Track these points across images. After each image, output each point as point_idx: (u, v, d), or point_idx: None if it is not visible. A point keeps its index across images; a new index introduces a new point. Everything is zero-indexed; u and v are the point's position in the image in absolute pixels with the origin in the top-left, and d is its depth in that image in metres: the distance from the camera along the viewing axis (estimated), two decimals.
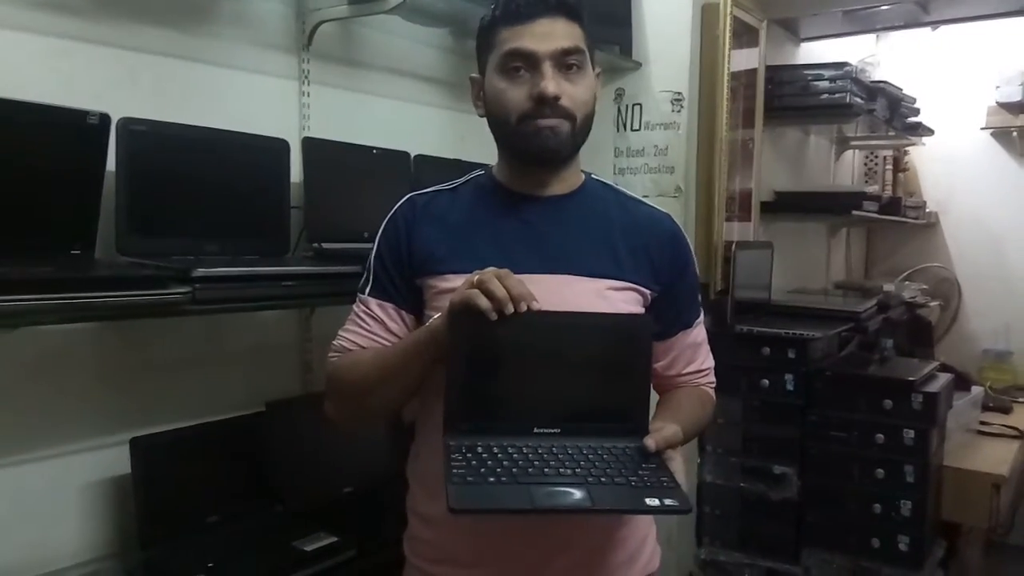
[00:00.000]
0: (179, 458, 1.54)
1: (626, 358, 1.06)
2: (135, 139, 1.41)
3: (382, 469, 1.76)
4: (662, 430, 1.03)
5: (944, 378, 2.53)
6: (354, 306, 1.21)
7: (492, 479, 0.94)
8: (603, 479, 0.96)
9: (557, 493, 0.93)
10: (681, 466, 1.00)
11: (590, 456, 0.99)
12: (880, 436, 2.36)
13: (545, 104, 1.10)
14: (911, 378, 2.38)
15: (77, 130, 1.31)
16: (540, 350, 1.03)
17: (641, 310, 1.19)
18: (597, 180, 1.27)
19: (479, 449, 0.98)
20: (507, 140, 1.17)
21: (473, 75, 1.20)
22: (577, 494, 0.93)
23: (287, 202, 1.71)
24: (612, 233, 1.20)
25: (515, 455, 0.98)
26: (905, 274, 4.04)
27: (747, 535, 2.58)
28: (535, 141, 1.12)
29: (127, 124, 1.40)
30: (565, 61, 1.11)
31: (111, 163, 1.38)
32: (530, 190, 1.20)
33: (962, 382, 3.05)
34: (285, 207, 1.70)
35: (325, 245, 1.73)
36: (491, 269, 1.00)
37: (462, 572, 1.17)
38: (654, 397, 1.23)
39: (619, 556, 1.18)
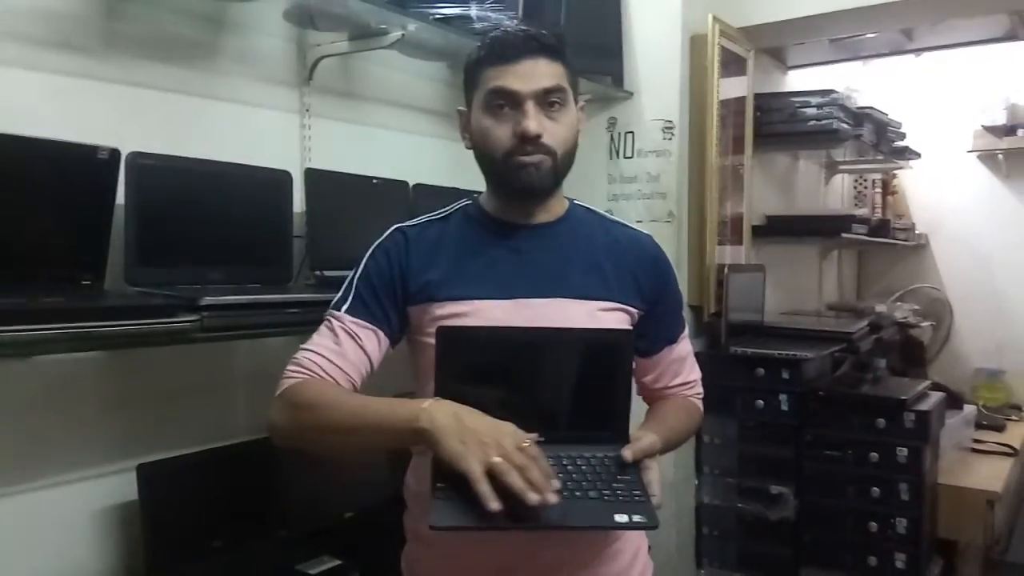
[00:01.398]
0: (185, 484, 1.56)
1: (606, 371, 1.10)
2: (144, 173, 1.46)
3: (382, 493, 1.77)
4: (640, 440, 1.06)
5: (936, 396, 2.57)
6: (323, 323, 1.19)
7: (473, 497, 0.96)
8: (578, 493, 0.99)
9: (533, 511, 0.95)
10: (657, 476, 1.03)
11: (569, 467, 1.02)
12: (874, 454, 2.39)
13: (527, 142, 1.14)
14: (903, 397, 2.41)
15: (88, 165, 1.35)
16: (524, 365, 1.07)
17: (629, 328, 1.24)
18: (580, 205, 1.31)
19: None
20: (493, 174, 1.21)
21: (460, 108, 1.25)
22: (551, 511, 0.95)
23: (290, 231, 1.75)
24: (598, 256, 1.25)
25: None
26: (897, 295, 4.09)
27: (746, 555, 2.59)
28: (519, 177, 1.17)
29: (136, 158, 1.44)
30: (547, 99, 1.16)
31: (119, 196, 1.43)
32: (518, 219, 1.24)
33: (955, 401, 3.08)
34: (288, 236, 1.74)
35: (327, 273, 1.77)
36: (512, 453, 0.95)
37: None
38: (639, 407, 1.27)
39: (613, 569, 1.22)
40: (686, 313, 1.41)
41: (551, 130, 1.16)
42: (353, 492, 1.82)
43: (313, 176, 1.82)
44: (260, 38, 1.86)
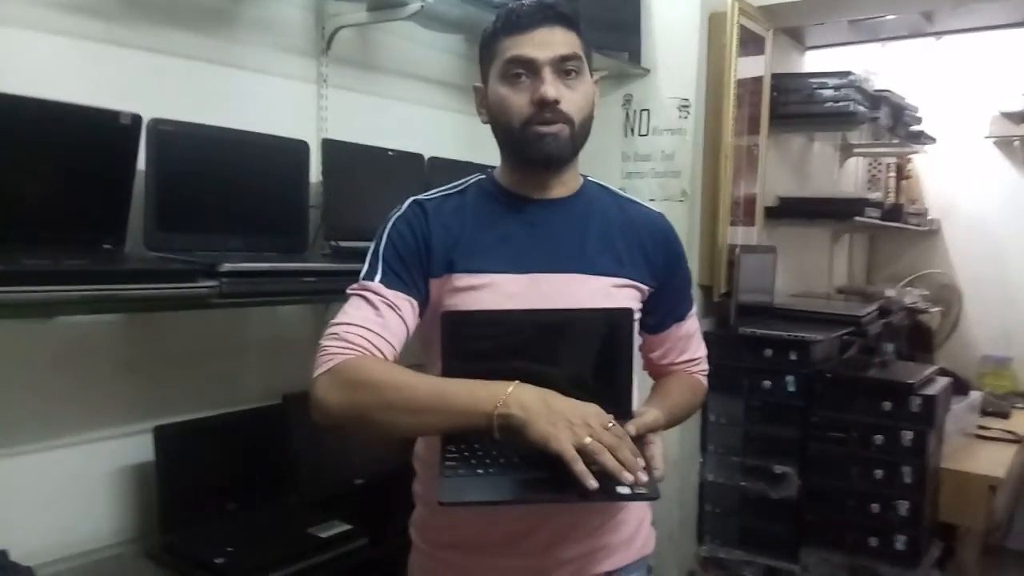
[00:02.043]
0: (200, 447, 1.60)
1: (609, 348, 1.11)
2: (164, 139, 1.47)
3: (390, 461, 1.79)
4: (643, 415, 1.07)
5: (942, 382, 2.58)
6: (355, 295, 1.15)
7: (481, 471, 0.98)
8: None
9: (537, 484, 0.98)
10: (660, 450, 1.05)
11: None
12: (879, 437, 2.41)
13: (546, 108, 1.14)
14: (910, 381, 2.42)
15: (110, 130, 1.37)
16: (528, 346, 1.09)
17: (639, 305, 1.26)
18: (594, 182, 1.32)
19: (472, 440, 1.03)
20: (511, 145, 1.21)
21: (477, 84, 1.25)
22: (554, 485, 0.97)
23: (306, 201, 1.76)
24: (612, 233, 1.26)
25: (505, 446, 1.01)
26: (907, 280, 4.08)
27: (747, 533, 2.62)
28: (538, 146, 1.17)
29: (157, 124, 1.46)
30: (564, 67, 1.16)
31: (140, 161, 1.44)
32: (533, 193, 1.24)
33: (961, 387, 3.09)
34: (304, 205, 1.76)
35: (342, 243, 1.78)
36: (600, 432, 0.96)
37: (468, 557, 1.22)
38: (645, 383, 1.29)
39: (618, 537, 1.24)
40: (696, 292, 1.43)
41: (568, 97, 1.16)
42: (363, 460, 1.85)
43: (330, 147, 1.83)
44: (279, 7, 1.86)
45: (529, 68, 1.15)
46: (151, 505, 1.56)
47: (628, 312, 1.17)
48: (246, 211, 1.65)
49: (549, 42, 1.15)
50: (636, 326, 1.23)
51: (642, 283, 1.25)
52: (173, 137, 1.49)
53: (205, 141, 1.57)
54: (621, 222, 1.28)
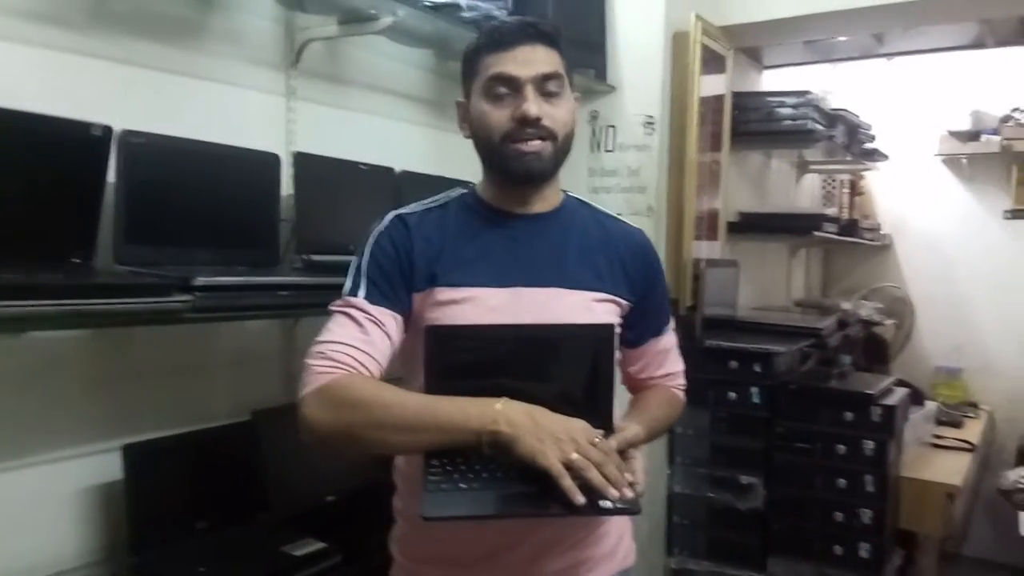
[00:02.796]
0: (169, 465, 1.56)
1: (590, 364, 1.13)
2: (135, 151, 1.45)
3: (362, 477, 1.79)
4: (624, 431, 1.09)
5: (901, 392, 2.65)
6: (339, 312, 1.16)
7: (464, 485, 0.99)
8: None
9: (521, 499, 0.99)
10: (641, 464, 1.06)
11: None
12: (841, 447, 2.46)
13: (527, 125, 1.16)
14: (870, 391, 2.48)
15: (80, 141, 1.34)
16: (512, 359, 1.10)
17: (619, 320, 1.27)
18: (574, 197, 1.34)
19: (455, 454, 1.03)
20: (492, 160, 1.22)
21: (459, 99, 1.26)
22: (538, 499, 0.98)
23: (277, 214, 1.75)
24: (592, 247, 1.27)
25: (488, 461, 1.02)
26: (861, 293, 4.19)
27: (715, 544, 2.65)
28: (520, 164, 1.18)
29: (127, 136, 1.43)
30: (545, 86, 1.18)
31: (110, 174, 1.41)
32: (515, 208, 1.25)
33: (917, 397, 3.18)
34: (275, 219, 1.74)
35: (314, 256, 1.76)
36: (587, 448, 0.98)
37: (450, 571, 1.22)
38: (622, 396, 1.30)
39: (600, 550, 1.25)
40: None
41: (550, 114, 1.17)
42: (335, 476, 1.82)
43: (301, 160, 1.82)
44: (248, 18, 1.84)
45: (511, 85, 1.16)
46: (120, 525, 1.52)
47: (611, 328, 1.19)
48: (217, 224, 1.63)
49: (531, 60, 1.17)
50: (616, 340, 1.24)
51: (621, 298, 1.27)
52: (144, 149, 1.47)
53: (176, 153, 1.54)
54: (601, 237, 1.29)
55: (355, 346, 1.11)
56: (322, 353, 1.10)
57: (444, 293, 1.18)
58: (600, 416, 1.11)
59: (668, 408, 1.35)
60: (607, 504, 0.97)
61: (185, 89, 1.72)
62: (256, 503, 1.68)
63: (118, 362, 1.59)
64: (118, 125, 1.44)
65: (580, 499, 0.94)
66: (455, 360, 1.08)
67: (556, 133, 1.19)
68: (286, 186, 1.80)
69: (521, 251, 1.23)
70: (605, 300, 1.25)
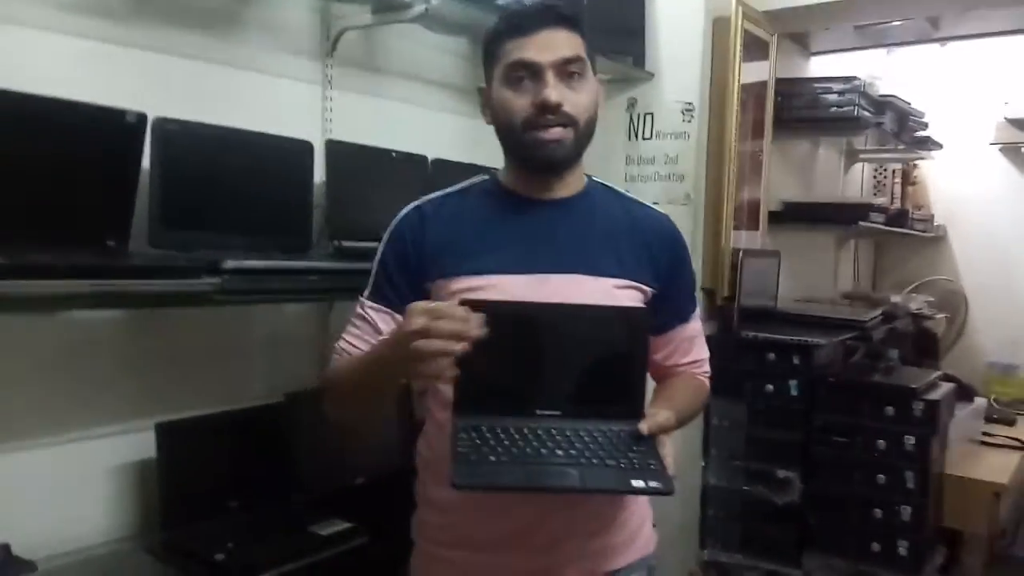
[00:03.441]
0: (202, 444, 1.61)
1: (624, 347, 1.12)
2: (169, 138, 1.48)
3: (391, 461, 1.81)
4: (656, 415, 1.08)
5: (946, 387, 2.58)
6: (356, 310, 1.27)
7: (493, 458, 1.00)
8: (595, 460, 1.02)
9: (551, 473, 0.99)
10: (671, 450, 1.06)
11: (586, 438, 1.05)
12: (882, 442, 2.41)
13: (547, 111, 1.15)
14: (913, 386, 2.42)
15: (116, 128, 1.37)
16: (545, 339, 1.09)
17: (647, 306, 1.25)
18: (598, 183, 1.33)
19: (484, 429, 1.04)
20: (513, 147, 1.22)
21: (481, 85, 1.26)
22: (569, 474, 0.99)
23: (310, 201, 1.77)
24: (615, 234, 1.26)
25: (517, 436, 1.03)
26: (912, 286, 4.08)
27: (749, 538, 2.61)
28: (541, 152, 1.18)
29: (162, 123, 1.47)
30: (566, 69, 1.16)
31: (145, 160, 1.45)
32: (537, 194, 1.25)
33: (966, 393, 3.09)
34: (308, 205, 1.77)
35: (345, 243, 1.79)
36: (416, 318, 0.99)
37: (471, 555, 1.23)
38: (651, 383, 1.28)
39: (620, 537, 1.25)
40: (699, 296, 1.43)
41: (571, 99, 1.17)
42: (365, 459, 1.85)
43: (334, 147, 1.84)
44: (285, 9, 1.87)
45: (531, 71, 1.16)
46: (152, 502, 1.57)
47: (646, 312, 1.19)
48: (250, 210, 1.66)
49: (552, 44, 1.16)
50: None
51: (645, 284, 1.25)
52: (178, 136, 1.50)
53: (210, 140, 1.58)
54: (626, 223, 1.28)
55: (350, 342, 1.24)
56: (335, 351, 1.26)
57: (463, 281, 1.18)
58: (632, 400, 1.11)
59: (695, 395, 1.34)
60: (639, 483, 0.98)
61: (223, 78, 1.75)
62: (287, 483, 1.72)
63: (154, 343, 1.64)
64: (157, 113, 1.47)
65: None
66: (488, 335, 1.06)
67: (577, 119, 1.18)
68: (319, 173, 1.82)
69: (542, 237, 1.22)
70: (627, 287, 1.24)
